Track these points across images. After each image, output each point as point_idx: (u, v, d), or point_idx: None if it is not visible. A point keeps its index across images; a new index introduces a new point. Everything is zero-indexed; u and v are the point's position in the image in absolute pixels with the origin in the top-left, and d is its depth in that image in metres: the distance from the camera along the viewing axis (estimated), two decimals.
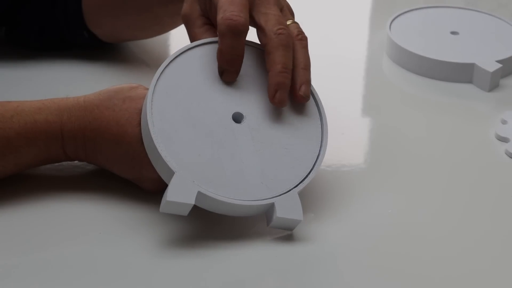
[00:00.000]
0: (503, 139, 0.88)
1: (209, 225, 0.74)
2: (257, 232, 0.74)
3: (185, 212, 0.70)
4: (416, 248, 0.73)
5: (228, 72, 0.75)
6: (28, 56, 0.99)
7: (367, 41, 1.12)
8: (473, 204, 0.79)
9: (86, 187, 0.78)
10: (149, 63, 0.99)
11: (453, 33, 1.05)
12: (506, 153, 0.86)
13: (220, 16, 0.73)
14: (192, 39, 0.78)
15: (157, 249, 0.71)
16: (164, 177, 0.71)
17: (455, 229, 0.76)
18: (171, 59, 0.76)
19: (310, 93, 0.75)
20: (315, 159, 0.74)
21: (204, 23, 0.78)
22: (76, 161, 0.78)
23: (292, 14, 0.79)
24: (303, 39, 0.76)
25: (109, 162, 0.76)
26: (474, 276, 0.71)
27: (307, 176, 0.73)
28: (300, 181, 0.73)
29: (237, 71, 0.75)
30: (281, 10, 0.77)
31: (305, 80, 0.75)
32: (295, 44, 0.75)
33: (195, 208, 0.71)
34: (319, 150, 0.75)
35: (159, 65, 0.75)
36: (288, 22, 0.77)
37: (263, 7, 0.75)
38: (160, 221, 0.74)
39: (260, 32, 0.75)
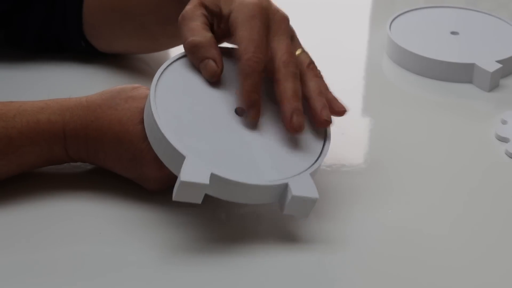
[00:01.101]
0: (503, 139, 0.88)
1: (212, 229, 0.74)
2: (259, 236, 0.74)
3: (199, 198, 0.69)
4: (416, 248, 0.73)
5: (254, 109, 0.74)
6: (28, 57, 0.98)
7: (367, 41, 1.12)
8: (473, 204, 0.79)
9: (86, 187, 0.78)
10: (151, 65, 0.99)
11: (453, 33, 1.05)
12: (506, 153, 0.86)
13: (245, 58, 0.73)
14: (188, 32, 0.76)
15: (157, 250, 0.71)
16: (173, 167, 0.71)
17: (455, 229, 0.76)
18: (174, 59, 0.76)
19: (331, 116, 0.75)
20: (322, 145, 0.75)
21: (206, 23, 0.77)
22: (78, 162, 0.78)
23: (299, 44, 0.79)
24: (314, 68, 0.77)
25: (111, 161, 0.76)
26: (474, 275, 0.71)
27: (316, 160, 0.73)
28: (310, 165, 0.73)
29: (260, 106, 0.74)
30: (292, 38, 0.78)
31: (324, 105, 0.75)
32: (306, 73, 0.76)
33: (197, 210, 0.71)
34: (324, 137, 0.75)
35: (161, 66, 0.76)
36: (299, 51, 0.77)
37: (276, 36, 0.75)
38: (161, 222, 0.74)
39: (270, 60, 0.75)
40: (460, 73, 0.99)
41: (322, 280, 0.70)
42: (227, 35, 0.77)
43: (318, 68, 0.80)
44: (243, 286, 0.69)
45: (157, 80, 0.74)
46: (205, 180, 0.68)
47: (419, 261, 0.72)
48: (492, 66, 0.97)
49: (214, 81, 0.76)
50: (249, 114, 0.74)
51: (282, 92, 0.74)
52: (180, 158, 0.69)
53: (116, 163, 0.76)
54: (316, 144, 0.75)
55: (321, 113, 0.75)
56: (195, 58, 0.76)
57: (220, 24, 0.77)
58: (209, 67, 0.75)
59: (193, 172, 0.68)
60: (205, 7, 0.77)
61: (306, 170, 0.72)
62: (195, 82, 0.75)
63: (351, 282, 0.70)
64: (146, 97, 0.75)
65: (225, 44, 0.79)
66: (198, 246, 0.72)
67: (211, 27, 0.77)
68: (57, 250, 0.71)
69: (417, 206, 0.78)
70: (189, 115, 0.73)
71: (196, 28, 0.76)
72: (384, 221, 0.76)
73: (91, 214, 0.75)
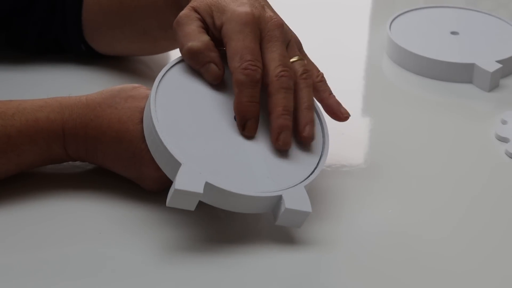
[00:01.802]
0: (503, 139, 0.88)
1: (211, 228, 0.74)
2: (258, 236, 0.74)
3: (193, 205, 0.69)
4: (416, 249, 0.73)
5: (251, 122, 0.73)
6: (28, 59, 0.98)
7: (367, 41, 1.12)
8: (473, 205, 0.79)
9: (86, 186, 0.78)
10: (151, 67, 0.99)
11: (453, 33, 1.05)
12: (506, 153, 0.86)
13: (237, 65, 0.72)
14: (184, 38, 0.75)
15: (157, 250, 0.71)
16: (169, 172, 0.71)
17: (455, 230, 0.76)
18: (174, 63, 0.76)
19: (314, 133, 0.75)
20: (319, 157, 0.75)
21: (201, 26, 0.76)
22: (77, 162, 0.78)
23: (299, 47, 0.79)
24: (307, 78, 0.76)
25: (109, 160, 0.76)
26: (474, 275, 0.71)
27: (312, 172, 0.73)
28: (306, 177, 0.73)
29: (258, 120, 0.74)
30: (288, 44, 0.77)
31: (309, 120, 0.75)
32: (298, 83, 0.75)
33: (197, 211, 0.71)
34: (322, 148, 0.75)
35: (161, 67, 0.75)
36: (294, 59, 0.76)
37: (270, 44, 0.75)
38: (161, 222, 0.74)
39: (263, 72, 0.74)
40: (460, 73, 0.99)
41: (321, 280, 0.70)
42: (221, 44, 0.76)
43: (321, 71, 0.79)
44: (241, 285, 0.69)
45: (158, 84, 0.74)
46: (199, 189, 0.68)
47: (420, 261, 0.72)
48: (492, 66, 0.97)
49: (217, 83, 0.76)
50: (245, 128, 0.74)
51: (273, 107, 0.73)
52: (176, 164, 0.69)
53: (115, 162, 0.76)
54: (314, 155, 0.75)
55: (303, 129, 0.74)
56: (195, 64, 0.76)
57: (214, 33, 0.76)
58: (211, 71, 0.75)
59: (187, 181, 0.68)
60: (199, 13, 0.76)
61: (301, 182, 0.72)
62: (196, 86, 0.75)
63: (350, 282, 0.70)
64: (146, 97, 0.75)
65: None
66: (197, 245, 0.72)
67: (206, 31, 0.76)
68: (57, 250, 0.71)
69: (417, 205, 0.78)
70: (188, 120, 0.73)
71: (192, 32, 0.75)
72: (384, 221, 0.76)
73: (91, 214, 0.75)
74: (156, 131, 0.71)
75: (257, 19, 0.75)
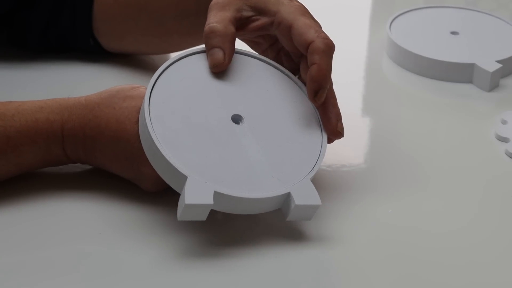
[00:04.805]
0: (503, 139, 0.88)
1: (209, 228, 0.74)
2: (257, 236, 0.74)
3: (204, 216, 0.69)
4: (416, 249, 0.73)
5: (323, 90, 0.74)
6: (28, 57, 0.98)
7: (367, 41, 1.12)
8: (473, 204, 0.79)
9: (86, 187, 0.78)
10: (151, 64, 0.99)
11: (453, 33, 1.05)
12: (506, 153, 0.86)
13: (316, 35, 0.74)
14: (213, 17, 0.76)
15: (156, 251, 0.71)
16: (174, 185, 0.71)
17: (455, 229, 0.76)
18: (164, 67, 0.75)
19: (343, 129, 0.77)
20: (320, 148, 0.75)
21: (235, 18, 0.77)
22: (77, 163, 0.78)
23: None
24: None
25: (108, 161, 0.76)
26: (474, 276, 0.71)
27: (315, 164, 0.74)
28: (310, 169, 0.73)
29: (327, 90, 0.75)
30: None
31: (340, 116, 0.76)
32: None
33: None
34: (321, 140, 0.76)
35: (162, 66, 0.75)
36: None
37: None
38: (159, 223, 0.74)
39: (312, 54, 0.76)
40: (460, 73, 0.99)
41: (321, 280, 0.70)
42: (258, 27, 0.77)
43: None
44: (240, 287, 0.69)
45: (150, 93, 0.73)
46: (209, 200, 0.68)
47: (419, 260, 0.72)
48: (492, 66, 0.97)
49: (215, 72, 0.76)
50: (317, 95, 0.74)
51: (329, 98, 0.75)
52: (182, 177, 0.69)
53: (113, 162, 0.76)
54: (314, 146, 0.75)
55: (337, 125, 0.76)
56: (207, 44, 0.76)
57: (258, 16, 0.77)
58: (216, 56, 0.75)
59: (196, 194, 0.68)
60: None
61: (307, 175, 0.73)
62: (188, 90, 0.75)
63: (351, 282, 0.70)
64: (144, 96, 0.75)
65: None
66: (196, 247, 0.72)
67: (239, 21, 0.77)
68: (57, 250, 0.71)
69: (417, 206, 0.78)
70: (185, 128, 0.72)
71: (224, 18, 0.76)
72: (384, 221, 0.76)
73: (91, 214, 0.75)
74: (156, 146, 0.70)
75: (309, 13, 0.78)
